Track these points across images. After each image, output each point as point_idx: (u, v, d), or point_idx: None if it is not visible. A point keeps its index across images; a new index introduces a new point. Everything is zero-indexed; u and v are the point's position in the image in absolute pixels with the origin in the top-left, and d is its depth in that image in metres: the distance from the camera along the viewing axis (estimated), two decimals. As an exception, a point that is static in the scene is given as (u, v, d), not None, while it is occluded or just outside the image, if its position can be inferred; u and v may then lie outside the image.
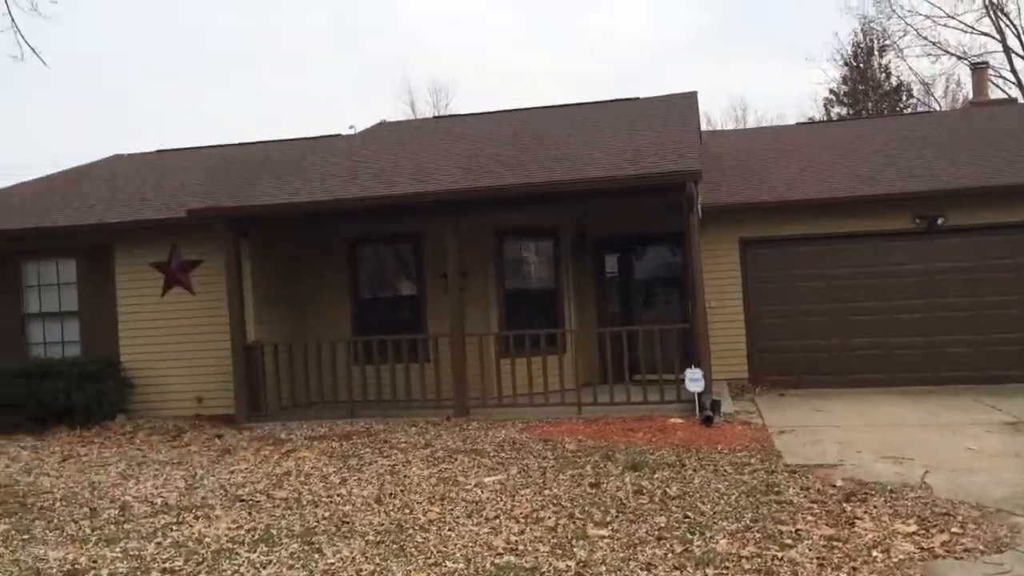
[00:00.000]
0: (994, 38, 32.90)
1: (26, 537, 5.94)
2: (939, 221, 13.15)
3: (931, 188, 13.25)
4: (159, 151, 18.57)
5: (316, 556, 5.30)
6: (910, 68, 47.12)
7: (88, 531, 6.02)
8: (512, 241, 13.17)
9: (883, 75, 34.25)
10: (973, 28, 33.58)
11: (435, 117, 18.50)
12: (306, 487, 7.25)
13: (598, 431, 9.53)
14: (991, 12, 32.27)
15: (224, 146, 18.20)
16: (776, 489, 6.86)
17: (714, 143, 17.81)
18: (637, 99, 17.29)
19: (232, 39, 69.65)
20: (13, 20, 11.09)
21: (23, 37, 11.41)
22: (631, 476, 7.43)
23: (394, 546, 5.52)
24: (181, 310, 11.98)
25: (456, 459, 8.24)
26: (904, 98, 33.78)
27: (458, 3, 65.75)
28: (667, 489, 6.94)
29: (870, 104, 34.22)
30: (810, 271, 13.67)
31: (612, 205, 11.99)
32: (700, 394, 10.09)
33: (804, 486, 6.92)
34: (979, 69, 21.15)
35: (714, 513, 6.21)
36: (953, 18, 42.19)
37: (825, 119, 32.42)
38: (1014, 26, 32.25)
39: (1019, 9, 31.96)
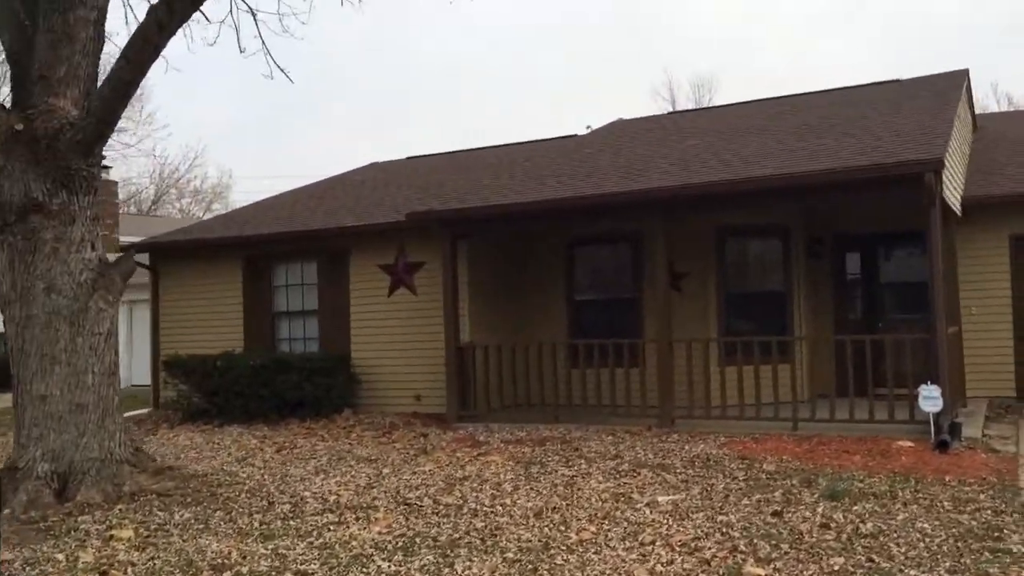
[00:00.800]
0: None
1: (201, 527, 6.44)
2: None
3: None
4: (409, 157, 19.70)
5: (446, 571, 5.22)
6: None
7: (256, 525, 6.40)
8: (734, 241, 12.38)
9: None
10: None
11: (671, 112, 17.82)
12: (475, 494, 7.22)
13: (808, 451, 8.65)
14: None
15: (469, 150, 18.95)
16: (997, 534, 5.78)
17: (996, 128, 15.67)
18: (899, 81, 15.63)
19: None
20: (263, 42, 12.12)
21: (272, 59, 12.49)
22: (825, 506, 6.63)
23: (529, 566, 5.29)
24: (404, 310, 12.55)
25: (639, 473, 7.84)
26: None
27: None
28: (860, 525, 6.09)
29: None
30: None
31: (843, 200, 10.88)
32: (937, 415, 8.83)
33: (1036, 534, 5.78)
34: None
35: (905, 559, 5.34)
36: None
37: None
38: None
39: None
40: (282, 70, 10.42)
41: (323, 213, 14.42)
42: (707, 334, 11.66)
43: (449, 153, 19.25)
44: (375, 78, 71.52)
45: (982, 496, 6.79)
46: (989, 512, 6.35)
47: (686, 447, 8.97)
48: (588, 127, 19.39)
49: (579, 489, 7.31)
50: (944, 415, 8.83)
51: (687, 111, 17.58)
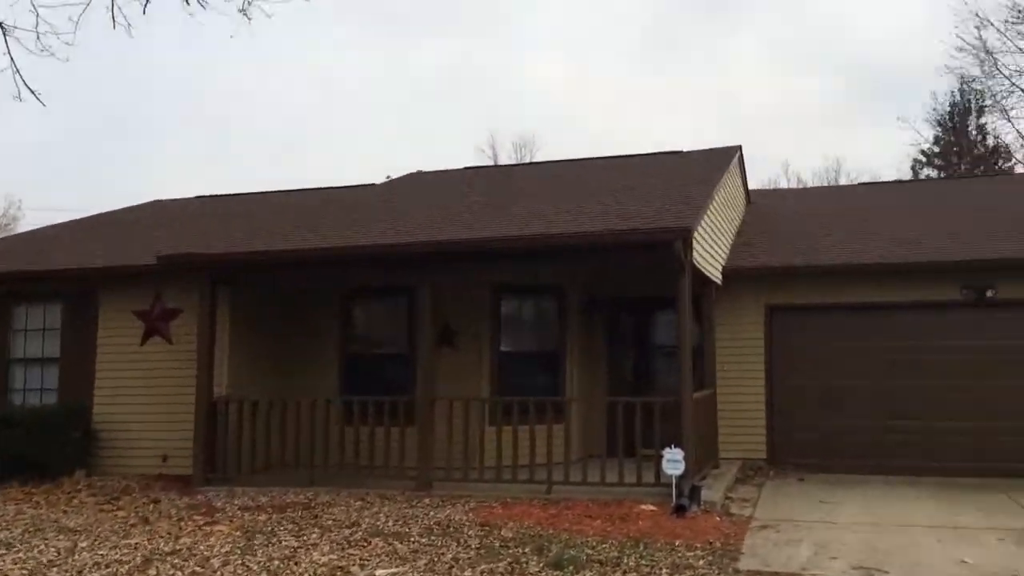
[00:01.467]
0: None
1: None
2: (988, 293, 11.67)
3: (981, 256, 11.80)
4: (198, 197, 18.64)
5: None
6: (1017, 130, 44.46)
7: None
8: (510, 299, 12.33)
9: (979, 136, 32.12)
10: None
11: (467, 168, 17.86)
12: (174, 572, 6.53)
13: (553, 516, 8.51)
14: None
15: (264, 193, 18.12)
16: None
17: (767, 203, 16.66)
18: (680, 152, 16.38)
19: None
20: (12, 60, 10.99)
21: (22, 78, 11.33)
22: (548, 575, 6.44)
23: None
24: (158, 361, 11.60)
25: (370, 544, 7.38)
26: (1000, 162, 31.53)
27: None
28: (572, 597, 5.93)
29: (962, 166, 32.09)
30: (845, 343, 12.35)
31: (604, 264, 11.06)
32: (679, 478, 8.95)
33: (737, 605, 5.80)
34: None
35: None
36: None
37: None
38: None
39: None
40: (32, 92, 9.52)
41: (79, 250, 13.24)
42: (480, 392, 11.47)
43: (240, 195, 18.34)
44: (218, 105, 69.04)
45: (701, 562, 6.82)
46: (701, 579, 6.37)
47: (432, 512, 8.61)
48: (388, 176, 19.10)
49: (296, 563, 6.76)
50: (686, 479, 8.96)
51: (480, 167, 17.63)
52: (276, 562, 6.79)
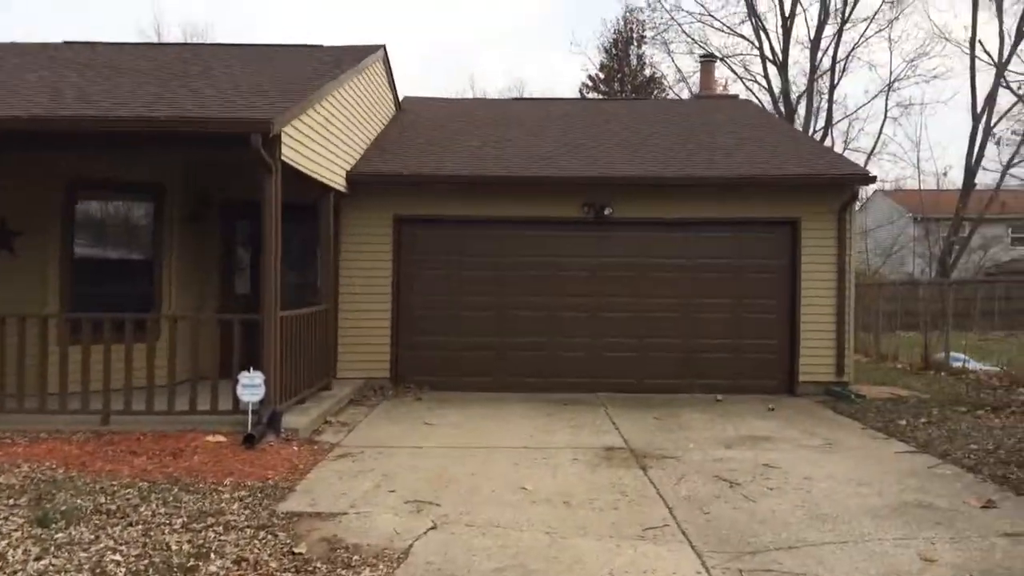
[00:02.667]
0: (751, 43, 33.31)
1: None
2: (607, 211, 11.74)
3: (602, 174, 11.83)
4: None
5: None
6: (676, 65, 47.96)
7: None
8: (88, 195, 10.33)
9: (639, 66, 33.89)
10: (733, 31, 33.92)
11: (68, 42, 15.07)
12: None
13: (88, 453, 7.11)
14: (751, 17, 32.55)
15: None
16: (194, 565, 4.74)
17: (418, 111, 15.78)
18: (318, 47, 14.85)
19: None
20: None
21: None
22: (25, 533, 5.11)
23: None
24: None
25: None
26: (656, 92, 33.55)
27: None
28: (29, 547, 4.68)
29: (623, 94, 33.78)
30: (474, 258, 11.95)
31: (189, 158, 9.68)
32: (259, 404, 7.90)
33: (241, 557, 4.86)
34: (706, 63, 20.44)
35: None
36: (715, 18, 43.08)
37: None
38: (767, 32, 32.72)
39: (776, 16, 32.37)
40: None
41: None
42: (46, 306, 9.57)
43: None
44: None
45: (236, 505, 5.85)
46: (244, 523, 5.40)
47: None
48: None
49: None
50: (266, 404, 7.94)
51: (78, 42, 14.89)
52: None
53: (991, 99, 29.08)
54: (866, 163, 29.78)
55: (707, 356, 11.86)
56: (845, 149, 31.88)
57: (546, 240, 11.94)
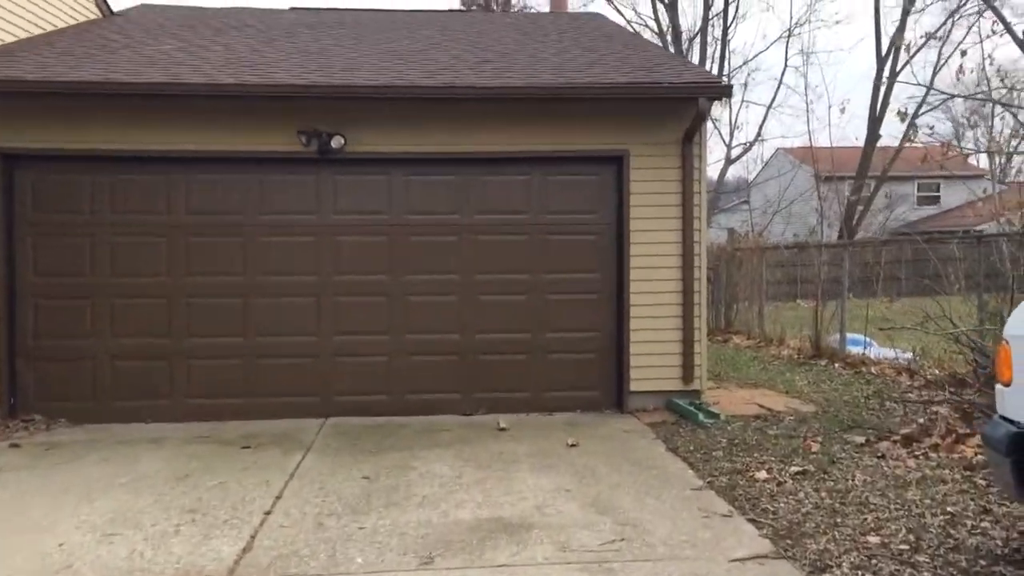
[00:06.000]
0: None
1: None
2: (334, 142, 7.63)
3: (330, 83, 7.67)
4: None
5: None
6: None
7: None
8: None
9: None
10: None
11: None
12: None
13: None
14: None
15: None
16: None
17: (139, 19, 11.22)
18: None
19: None
20: None
21: None
22: None
23: None
24: None
25: None
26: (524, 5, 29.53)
27: None
28: None
29: (496, 9, 29.60)
30: (131, 216, 7.74)
31: None
32: None
33: None
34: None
35: None
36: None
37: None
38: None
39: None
40: None
41: None
42: None
43: None
44: None
45: None
46: None
47: None
48: None
49: None
50: None
51: None
52: None
53: (898, 38, 25.88)
54: (764, 118, 26.51)
55: (497, 359, 7.98)
56: (742, 102, 28.46)
57: (243, 188, 7.79)
